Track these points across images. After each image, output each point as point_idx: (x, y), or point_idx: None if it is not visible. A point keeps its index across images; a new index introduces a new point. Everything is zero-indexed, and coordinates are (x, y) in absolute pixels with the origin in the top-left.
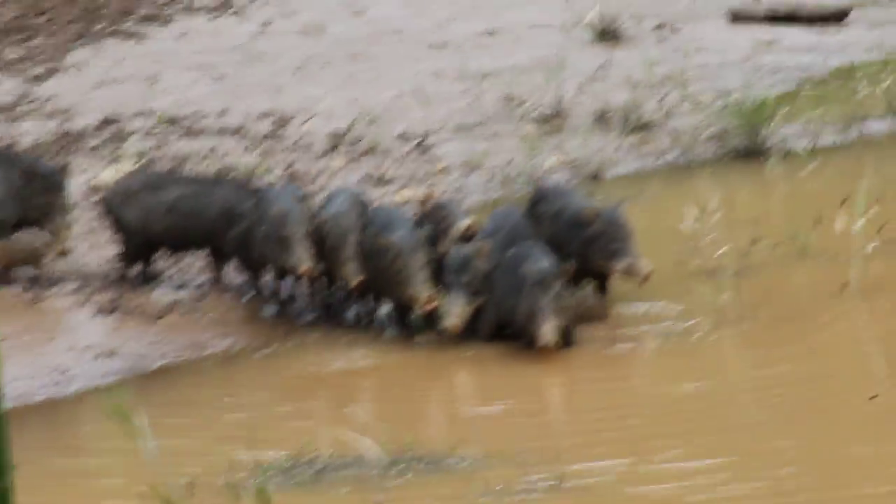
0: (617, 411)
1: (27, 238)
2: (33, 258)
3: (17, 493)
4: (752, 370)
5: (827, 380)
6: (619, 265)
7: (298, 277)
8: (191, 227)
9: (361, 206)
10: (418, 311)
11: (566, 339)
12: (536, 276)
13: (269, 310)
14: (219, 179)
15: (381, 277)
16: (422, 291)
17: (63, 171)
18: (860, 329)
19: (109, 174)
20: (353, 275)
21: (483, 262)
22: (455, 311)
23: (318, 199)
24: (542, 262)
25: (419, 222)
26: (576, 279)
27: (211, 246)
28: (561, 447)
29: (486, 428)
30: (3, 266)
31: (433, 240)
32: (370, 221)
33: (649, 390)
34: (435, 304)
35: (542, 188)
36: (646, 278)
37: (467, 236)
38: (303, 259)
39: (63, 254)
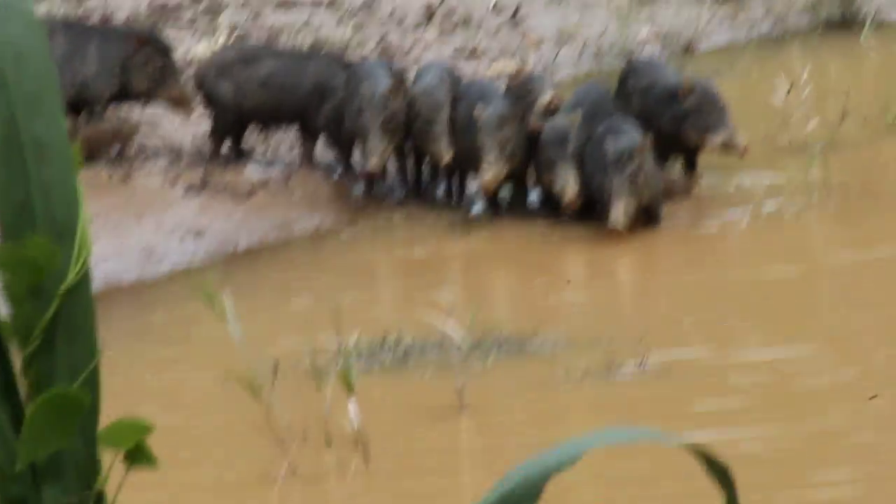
0: (701, 295)
1: (115, 119)
2: (123, 138)
3: (105, 376)
4: (840, 251)
5: None
6: (717, 139)
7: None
8: (283, 101)
9: (453, 81)
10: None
11: (651, 218)
12: (615, 154)
13: (359, 188)
14: (312, 53)
15: (471, 153)
16: (499, 168)
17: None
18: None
19: (203, 47)
20: (444, 151)
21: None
22: (571, 184)
23: (411, 73)
24: (621, 139)
25: (509, 96)
26: (665, 154)
27: (302, 122)
28: (644, 332)
29: (570, 312)
30: (94, 146)
31: (522, 115)
32: (462, 96)
33: (734, 273)
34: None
35: (633, 62)
36: (744, 151)
37: (551, 111)
38: (445, 147)
39: (191, 111)
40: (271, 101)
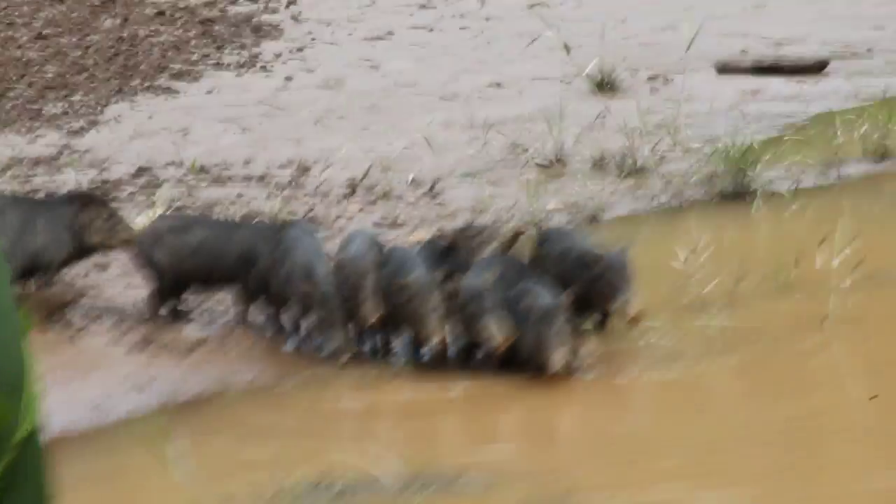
0: (618, 441)
1: (62, 289)
2: (68, 302)
3: None
4: (734, 398)
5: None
6: (615, 304)
7: (366, 326)
8: (214, 267)
9: (378, 248)
10: (433, 346)
11: (568, 368)
12: (541, 310)
13: (290, 344)
14: (240, 223)
15: (398, 314)
16: (437, 329)
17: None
18: (839, 359)
19: (143, 219)
20: (371, 311)
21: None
22: (496, 331)
23: (337, 242)
24: (544, 297)
25: (438, 259)
26: (578, 313)
27: (234, 285)
28: (566, 474)
29: (496, 455)
30: (43, 310)
31: (449, 276)
32: (386, 261)
33: (646, 420)
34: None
35: (548, 230)
36: (635, 319)
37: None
38: (372, 309)
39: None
40: (203, 267)
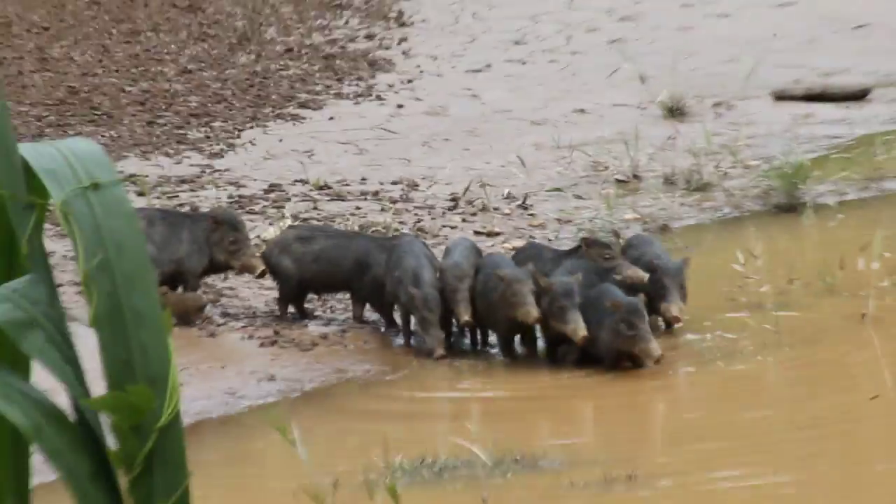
0: (687, 428)
1: (194, 295)
2: (197, 311)
3: (196, 495)
4: (786, 386)
5: (843, 393)
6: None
7: (461, 324)
8: (332, 273)
9: (477, 253)
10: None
11: (637, 364)
12: (631, 306)
13: (400, 341)
14: (355, 234)
15: (493, 309)
16: (532, 311)
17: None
18: (875, 351)
19: (272, 231)
20: (464, 312)
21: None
22: (582, 326)
23: (442, 249)
24: (629, 297)
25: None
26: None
27: (349, 289)
28: (637, 457)
29: (574, 441)
30: (179, 316)
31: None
32: (483, 266)
33: (713, 402)
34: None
35: (631, 238)
36: (675, 320)
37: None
38: (456, 308)
39: (262, 275)
40: (323, 273)
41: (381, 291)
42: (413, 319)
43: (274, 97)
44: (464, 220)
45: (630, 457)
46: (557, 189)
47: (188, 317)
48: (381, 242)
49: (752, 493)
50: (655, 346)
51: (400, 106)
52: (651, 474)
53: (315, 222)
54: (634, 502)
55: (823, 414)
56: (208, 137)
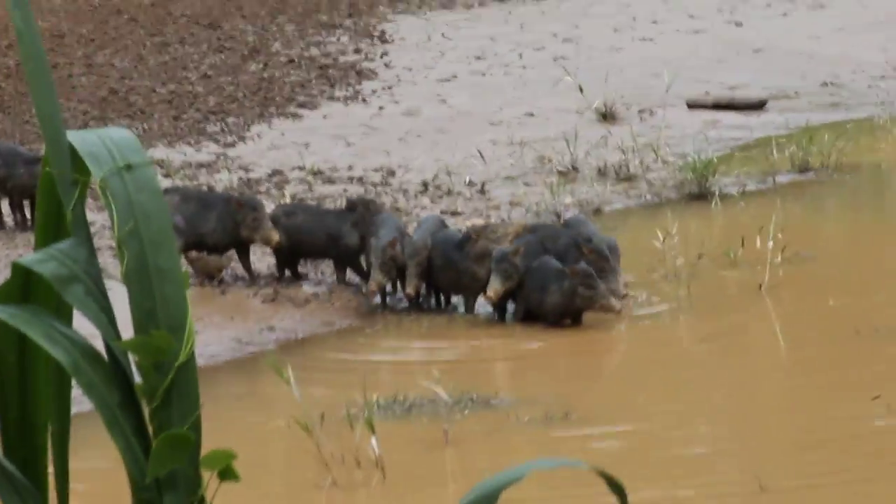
0: (612, 375)
1: (216, 258)
2: (217, 271)
3: (204, 422)
4: (697, 342)
5: (742, 345)
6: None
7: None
8: (307, 243)
9: (443, 225)
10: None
11: (576, 321)
12: (587, 271)
13: (376, 300)
14: (329, 211)
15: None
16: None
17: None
18: (769, 312)
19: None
20: (415, 280)
21: (518, 259)
22: (495, 285)
23: (414, 224)
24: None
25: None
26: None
27: (328, 256)
28: (570, 394)
29: (521, 385)
30: (205, 275)
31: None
32: (437, 241)
33: (637, 354)
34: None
35: (568, 219)
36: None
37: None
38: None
39: (278, 244)
40: (302, 243)
41: (352, 257)
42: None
43: (278, 99)
44: (432, 202)
45: (569, 397)
46: (510, 177)
47: (211, 275)
48: (351, 219)
49: (670, 433)
50: (614, 301)
51: (381, 108)
52: (583, 412)
53: (309, 202)
54: (569, 435)
55: (720, 362)
56: (223, 131)
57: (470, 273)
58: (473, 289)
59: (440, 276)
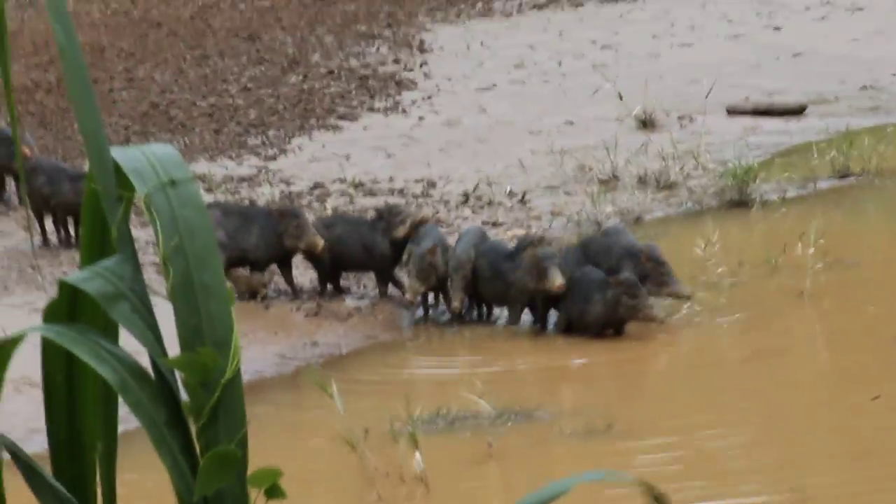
0: (654, 385)
1: (259, 275)
2: (261, 287)
3: (251, 439)
4: (738, 352)
5: (784, 354)
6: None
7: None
8: (345, 255)
9: (484, 238)
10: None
11: (618, 332)
12: (631, 280)
13: (419, 313)
14: (364, 221)
15: (495, 288)
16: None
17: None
18: (810, 320)
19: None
20: (458, 293)
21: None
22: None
23: (455, 235)
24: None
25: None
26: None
27: (368, 269)
28: (613, 406)
29: (561, 397)
30: (248, 292)
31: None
32: (484, 251)
33: (679, 365)
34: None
35: (607, 228)
36: (689, 297)
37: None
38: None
39: (323, 249)
40: (342, 255)
41: (388, 266)
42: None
43: (318, 111)
44: (473, 213)
45: (608, 410)
46: (550, 187)
47: (255, 292)
48: (383, 230)
49: (713, 444)
50: (657, 311)
51: (421, 118)
52: (627, 426)
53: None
54: (612, 448)
55: (764, 371)
56: (264, 143)
57: (520, 284)
58: (521, 300)
59: (486, 287)
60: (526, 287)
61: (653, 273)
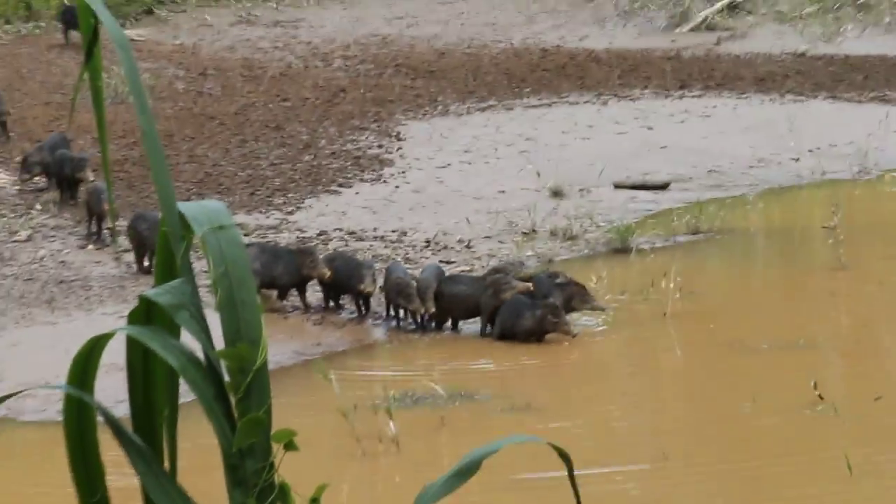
0: (566, 370)
1: (279, 301)
2: (279, 307)
3: (273, 408)
4: (618, 354)
5: (653, 357)
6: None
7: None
8: (342, 282)
9: (441, 272)
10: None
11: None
12: (554, 304)
13: (392, 322)
14: (355, 259)
15: (448, 309)
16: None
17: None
18: (671, 333)
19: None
20: (431, 307)
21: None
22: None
23: (419, 269)
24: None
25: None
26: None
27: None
28: (532, 389)
29: (498, 380)
30: (270, 310)
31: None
32: (443, 280)
33: (581, 363)
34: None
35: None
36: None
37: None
38: (425, 304)
39: (330, 277)
40: (340, 282)
41: (365, 296)
42: (398, 308)
43: (324, 180)
44: (433, 254)
45: (530, 394)
46: (488, 237)
47: (275, 309)
48: (353, 264)
49: (606, 420)
50: (572, 327)
51: (397, 186)
52: (540, 406)
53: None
54: (531, 420)
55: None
56: (285, 202)
57: (486, 301)
58: (486, 313)
59: (457, 304)
60: (488, 304)
61: (577, 294)
